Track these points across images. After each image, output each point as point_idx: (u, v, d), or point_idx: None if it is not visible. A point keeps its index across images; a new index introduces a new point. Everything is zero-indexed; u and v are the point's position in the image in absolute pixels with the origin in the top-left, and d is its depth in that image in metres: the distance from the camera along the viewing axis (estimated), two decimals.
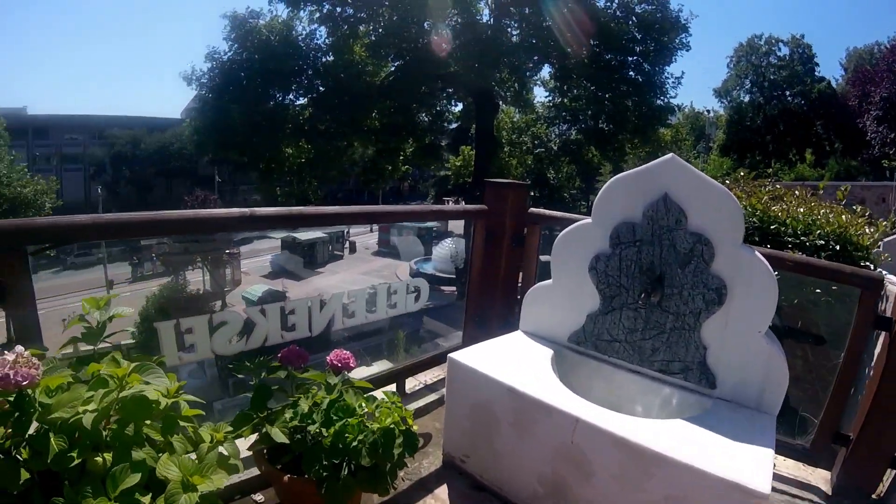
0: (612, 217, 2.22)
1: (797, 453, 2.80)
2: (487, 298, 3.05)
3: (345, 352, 2.12)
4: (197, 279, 19.78)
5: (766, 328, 2.05)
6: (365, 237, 31.74)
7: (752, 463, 1.73)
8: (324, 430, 1.81)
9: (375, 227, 28.43)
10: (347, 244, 29.08)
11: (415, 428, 1.98)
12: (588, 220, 2.30)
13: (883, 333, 2.46)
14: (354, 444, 1.77)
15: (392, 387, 2.88)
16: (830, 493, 2.57)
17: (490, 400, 2.18)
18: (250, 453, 1.93)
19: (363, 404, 1.95)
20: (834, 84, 37.70)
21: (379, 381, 2.83)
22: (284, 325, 2.34)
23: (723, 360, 2.14)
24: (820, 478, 2.89)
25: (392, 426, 1.86)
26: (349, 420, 1.83)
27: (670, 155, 2.11)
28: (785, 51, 38.15)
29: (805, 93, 36.45)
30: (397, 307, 2.78)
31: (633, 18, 21.16)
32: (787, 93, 37.53)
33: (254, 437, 1.90)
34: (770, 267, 2.00)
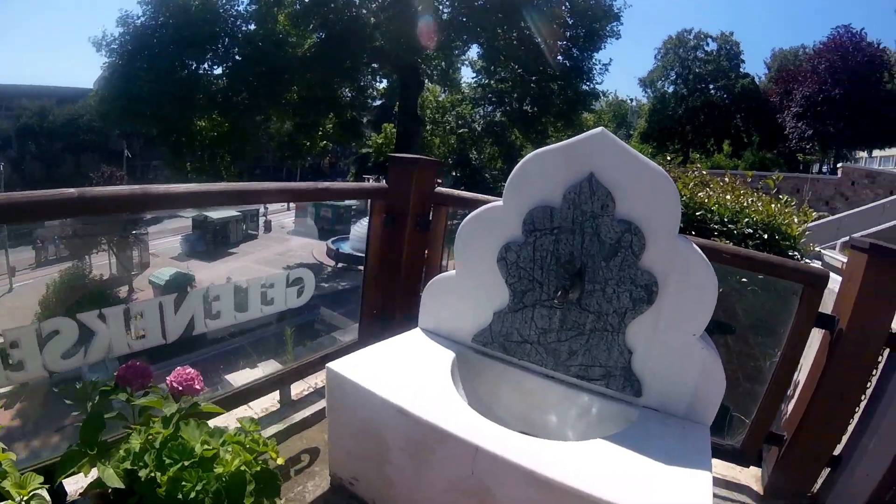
0: (526, 199, 1.81)
1: (726, 454, 2.52)
2: (387, 289, 2.60)
3: (188, 370, 1.64)
4: (103, 262, 18.07)
5: (701, 331, 1.70)
6: (280, 216, 30.27)
7: (689, 494, 1.39)
8: (158, 474, 1.37)
9: (293, 205, 27.28)
10: (263, 223, 27.54)
11: (280, 461, 1.61)
12: (499, 202, 1.86)
13: (823, 332, 2.18)
14: (193, 494, 1.33)
15: (275, 395, 2.41)
16: (762, 493, 2.41)
17: (377, 421, 1.75)
18: None
19: (208, 440, 1.48)
20: (757, 81, 39.35)
21: (261, 387, 2.34)
22: (130, 330, 1.82)
23: (650, 366, 1.79)
24: (750, 477, 2.67)
25: (243, 468, 1.41)
26: (185, 463, 1.38)
27: (600, 128, 1.70)
28: (713, 46, 39.54)
29: (728, 87, 38.17)
30: (275, 303, 2.28)
31: (567, 4, 20.96)
32: (711, 86, 38.84)
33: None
34: (709, 262, 1.63)
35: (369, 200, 2.50)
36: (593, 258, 1.73)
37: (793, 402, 2.45)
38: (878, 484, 2.08)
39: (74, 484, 1.71)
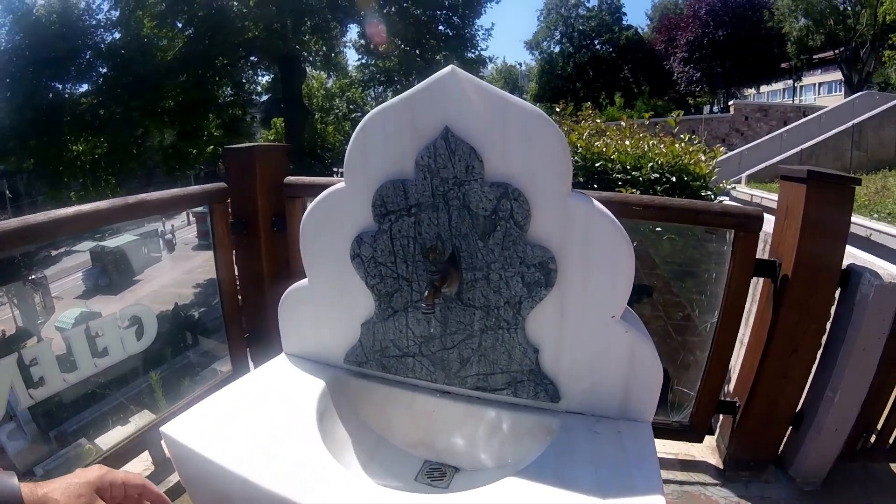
0: (372, 174, 1.32)
1: (674, 432, 2.16)
2: (257, 307, 2.07)
3: None
4: (6, 317, 15.94)
5: (621, 310, 1.26)
6: (182, 232, 27.57)
7: None
8: None
9: (192, 217, 25.28)
10: (163, 243, 25.20)
11: None
12: (341, 183, 1.36)
13: (761, 281, 1.82)
14: None
15: (145, 455, 1.87)
16: (722, 466, 2.14)
17: (230, 495, 1.25)
18: None
19: None
20: (641, 32, 40.32)
21: (127, 450, 1.81)
22: None
23: (565, 364, 1.36)
24: (706, 449, 2.35)
25: None
26: None
27: (449, 67, 1.22)
28: (594, 2, 40.87)
29: (613, 40, 39.70)
30: (110, 354, 1.73)
31: None
32: (596, 41, 40.61)
33: None
34: (616, 220, 1.19)
35: (207, 206, 1.95)
36: (466, 238, 1.26)
37: (739, 362, 2.09)
38: (849, 435, 1.90)
39: None
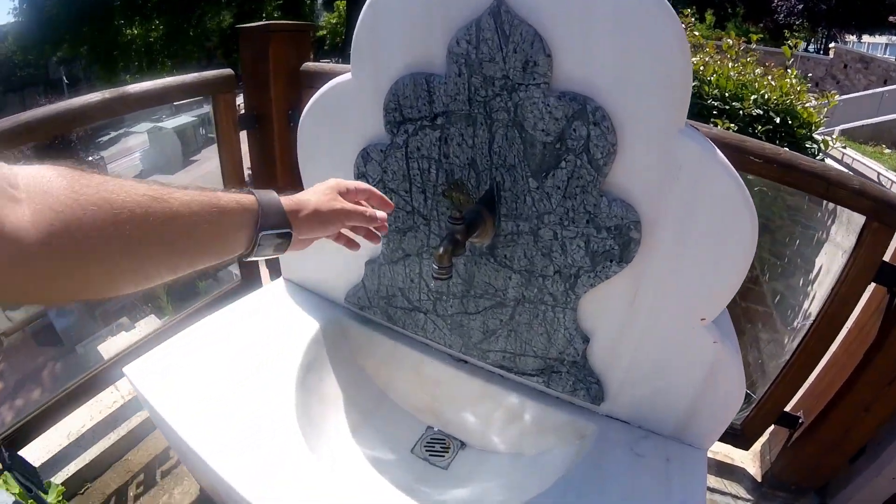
0: (384, 65, 0.90)
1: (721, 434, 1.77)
2: None
3: None
4: None
5: (718, 312, 0.85)
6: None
7: None
8: None
9: None
10: None
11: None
12: (347, 75, 0.94)
13: (872, 288, 1.37)
14: None
15: None
16: (760, 480, 1.80)
17: (188, 461, 0.99)
18: None
19: None
20: None
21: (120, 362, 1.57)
22: None
23: (621, 363, 0.98)
24: (748, 457, 1.97)
25: None
26: None
27: None
28: None
29: None
30: None
31: None
32: None
33: None
34: (742, 181, 0.75)
35: (211, 98, 1.57)
36: (513, 172, 0.84)
37: (814, 375, 1.67)
38: None
39: None
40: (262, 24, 1.55)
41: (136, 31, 17.38)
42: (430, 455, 1.13)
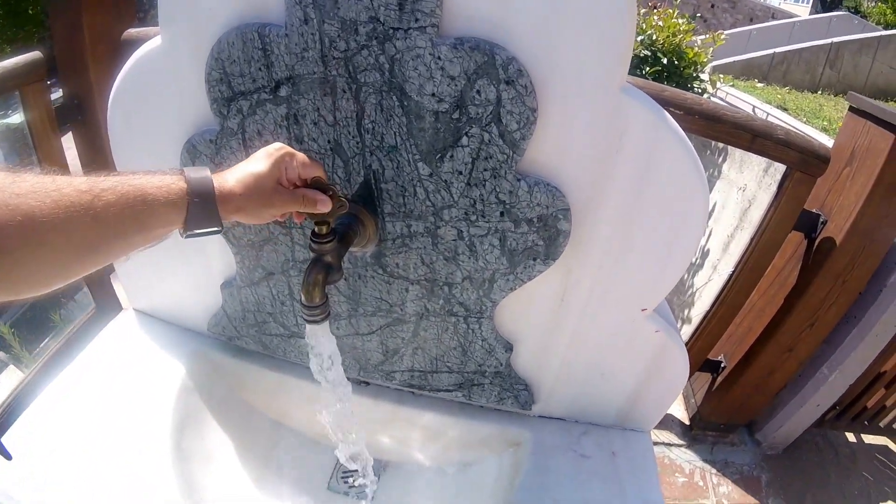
0: (201, 18, 0.60)
1: None
2: None
3: None
4: None
5: (661, 300, 0.68)
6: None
7: None
8: None
9: None
10: None
11: None
12: (156, 39, 0.63)
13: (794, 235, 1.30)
14: None
15: None
16: (689, 423, 1.81)
17: None
18: None
19: None
20: None
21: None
22: None
23: (552, 365, 0.79)
24: (673, 406, 1.95)
25: None
26: None
27: None
28: None
29: None
30: None
31: None
32: None
33: None
34: (691, 147, 0.56)
35: (18, 93, 1.16)
36: (394, 156, 0.60)
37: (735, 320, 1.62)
38: (825, 413, 1.66)
39: None
40: None
41: None
42: (351, 487, 0.92)
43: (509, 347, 0.76)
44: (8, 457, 0.70)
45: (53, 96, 1.33)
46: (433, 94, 0.54)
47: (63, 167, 1.30)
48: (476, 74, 0.53)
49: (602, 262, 0.66)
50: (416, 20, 0.52)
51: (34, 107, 1.20)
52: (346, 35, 0.54)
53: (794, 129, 1.13)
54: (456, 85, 0.54)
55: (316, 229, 0.54)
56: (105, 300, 1.48)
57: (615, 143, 0.57)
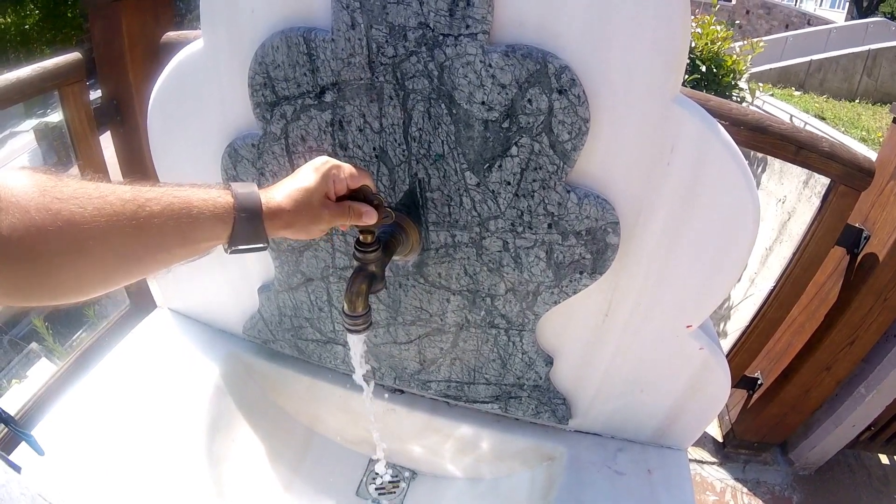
0: (244, 22, 0.60)
1: None
2: None
3: None
4: None
5: (706, 317, 0.65)
6: None
7: None
8: None
9: None
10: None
11: None
12: (198, 42, 0.63)
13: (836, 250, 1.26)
14: None
15: None
16: (722, 441, 1.76)
17: None
18: None
19: None
20: None
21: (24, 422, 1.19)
22: None
23: (593, 380, 0.77)
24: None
25: None
26: None
27: None
28: None
29: None
30: None
31: None
32: None
33: None
34: (744, 160, 0.53)
35: (57, 93, 1.19)
36: (442, 164, 0.59)
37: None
38: (859, 434, 1.59)
39: None
40: None
41: (9, 20, 14.69)
42: (381, 494, 0.92)
43: (549, 361, 0.74)
44: (40, 452, 0.71)
45: (92, 96, 1.36)
46: (483, 103, 0.53)
47: (101, 166, 1.33)
48: (528, 83, 0.51)
49: (648, 276, 0.64)
50: (467, 27, 0.51)
51: (73, 107, 1.22)
52: (394, 41, 0.53)
53: (838, 141, 1.09)
54: (507, 93, 0.52)
55: (360, 238, 0.53)
56: (140, 298, 1.50)
57: (666, 155, 0.55)
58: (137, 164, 1.37)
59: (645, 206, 0.58)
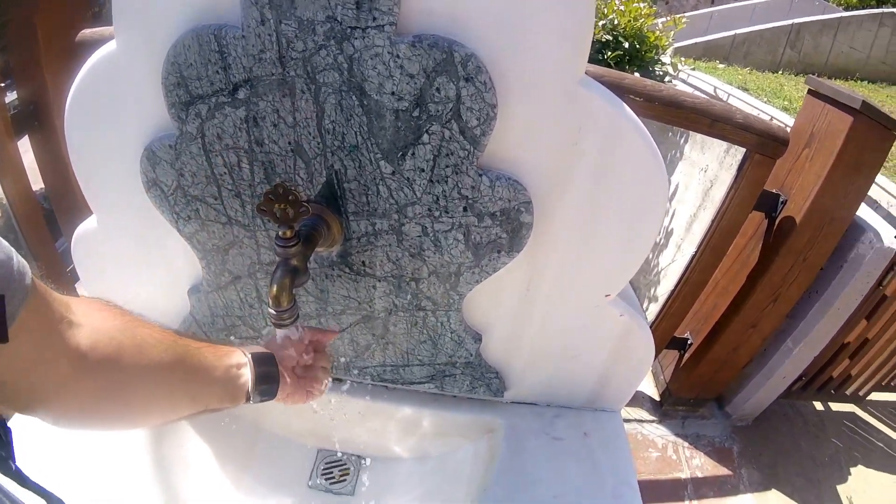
0: (155, 20, 0.59)
1: None
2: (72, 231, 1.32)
3: None
4: None
5: (623, 286, 0.70)
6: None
7: None
8: None
9: None
10: None
11: None
12: (112, 43, 0.62)
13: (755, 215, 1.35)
14: None
15: None
16: (659, 399, 1.86)
17: None
18: None
19: None
20: None
21: None
22: None
23: (521, 353, 0.82)
24: (643, 383, 1.98)
25: None
26: None
27: None
28: None
29: None
30: None
31: None
32: None
33: None
34: (652, 139, 0.57)
35: None
36: (356, 154, 0.60)
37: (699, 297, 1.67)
38: (791, 384, 1.71)
39: None
40: None
41: None
42: (332, 483, 0.93)
43: (478, 338, 0.78)
44: None
45: (12, 96, 1.29)
46: (393, 93, 0.55)
47: (20, 174, 1.26)
48: (435, 72, 0.53)
49: (565, 251, 0.67)
50: (374, 19, 0.52)
51: None
52: (303, 35, 0.54)
53: (754, 113, 1.16)
54: (415, 83, 0.54)
55: (280, 233, 0.54)
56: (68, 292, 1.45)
57: (574, 135, 0.58)
58: (59, 170, 1.31)
59: (557, 185, 0.61)
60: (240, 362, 0.53)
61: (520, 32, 0.52)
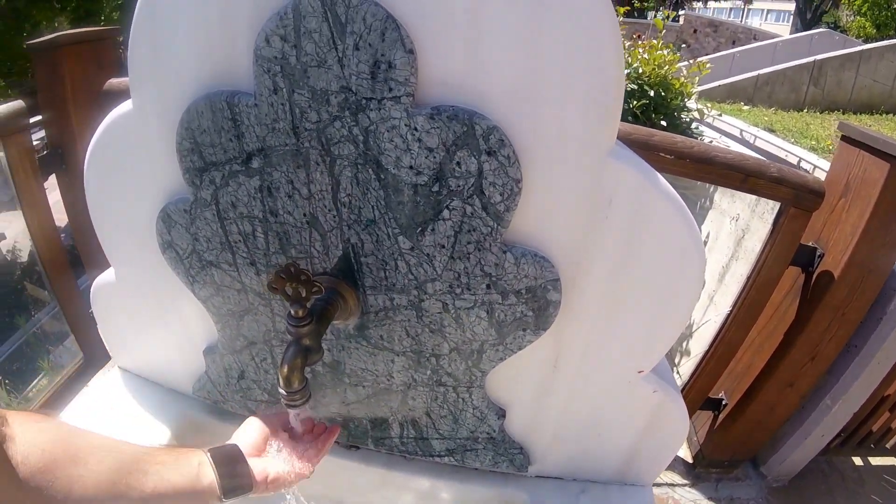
0: (169, 85, 0.58)
1: None
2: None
3: None
4: None
5: (657, 361, 0.64)
6: None
7: None
8: None
9: None
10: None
11: None
12: (128, 103, 0.60)
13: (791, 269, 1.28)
14: None
15: None
16: (692, 461, 1.73)
17: None
18: None
19: None
20: None
21: None
22: None
23: (547, 428, 0.76)
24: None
25: None
26: None
27: None
28: None
29: None
30: None
31: None
32: None
33: None
34: (688, 212, 0.53)
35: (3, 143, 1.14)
36: (374, 229, 0.57)
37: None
38: (829, 442, 1.59)
39: None
40: (50, 39, 1.12)
41: None
42: None
43: (502, 414, 0.72)
44: None
45: (40, 135, 1.31)
46: (411, 167, 0.52)
47: (46, 213, 1.27)
48: (455, 146, 0.50)
49: (594, 326, 0.62)
50: (390, 89, 0.49)
51: (16, 157, 1.17)
52: (317, 105, 0.51)
53: (782, 154, 1.11)
54: (434, 157, 0.51)
55: (292, 312, 0.51)
56: (92, 350, 1.44)
57: (604, 208, 0.54)
58: (84, 211, 1.32)
59: (585, 260, 0.57)
60: (201, 461, 0.51)
61: (543, 102, 0.49)
